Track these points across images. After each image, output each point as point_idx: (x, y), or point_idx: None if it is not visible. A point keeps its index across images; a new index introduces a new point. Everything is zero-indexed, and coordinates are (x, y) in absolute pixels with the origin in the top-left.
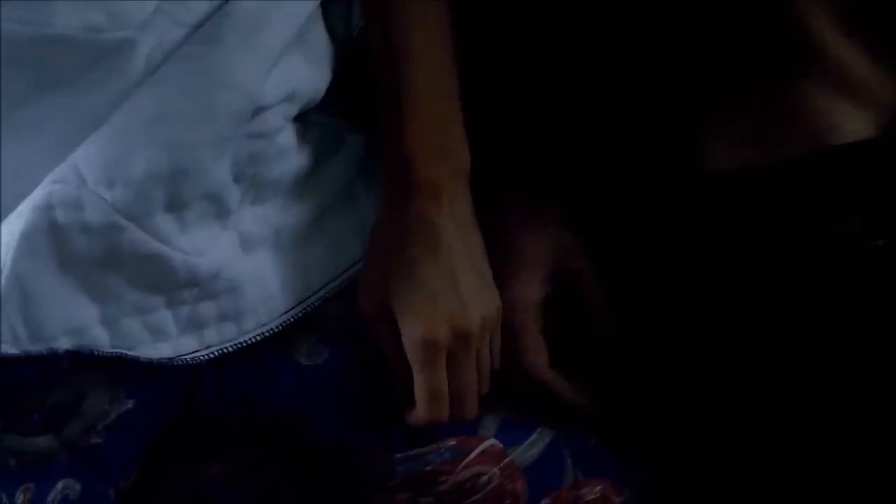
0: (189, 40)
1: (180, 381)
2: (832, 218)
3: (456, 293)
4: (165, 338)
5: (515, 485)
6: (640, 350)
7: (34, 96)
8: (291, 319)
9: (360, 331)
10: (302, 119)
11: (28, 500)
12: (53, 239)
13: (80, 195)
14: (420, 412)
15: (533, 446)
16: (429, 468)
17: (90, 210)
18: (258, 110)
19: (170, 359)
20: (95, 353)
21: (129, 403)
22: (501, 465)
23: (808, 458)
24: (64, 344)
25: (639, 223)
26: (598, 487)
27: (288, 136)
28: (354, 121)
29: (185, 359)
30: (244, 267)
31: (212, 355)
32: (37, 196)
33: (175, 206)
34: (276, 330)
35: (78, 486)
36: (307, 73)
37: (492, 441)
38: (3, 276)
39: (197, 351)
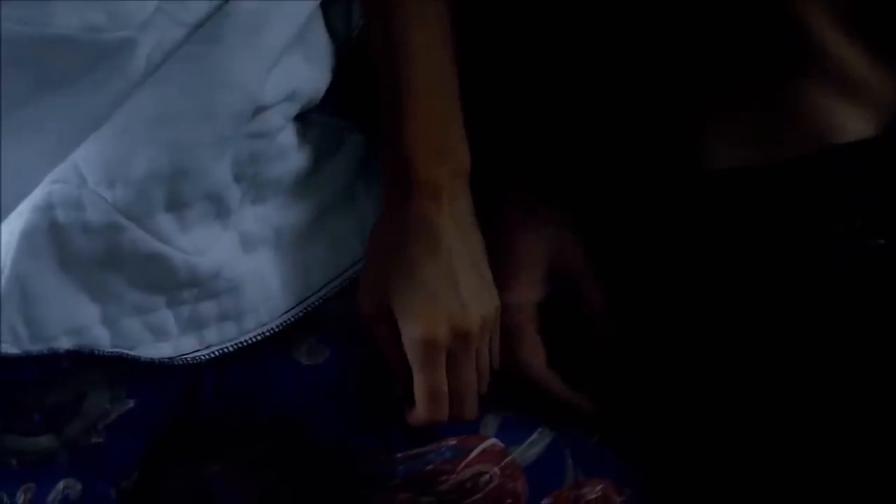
0: (189, 40)
1: (181, 381)
2: (833, 217)
3: (456, 293)
4: (166, 337)
5: (516, 484)
6: (640, 350)
7: (34, 96)
8: (292, 319)
9: (361, 330)
10: (302, 119)
11: (29, 500)
12: (54, 239)
13: (81, 195)
14: (420, 412)
15: (534, 445)
16: (429, 467)
17: (91, 210)
18: (259, 110)
19: (170, 358)
20: (96, 352)
21: (130, 403)
22: (502, 464)
23: (809, 458)
24: (64, 343)
25: (639, 223)
26: (599, 487)
27: (288, 136)
28: (354, 121)
29: (186, 358)
30: (245, 266)
31: (212, 355)
32: (37, 196)
33: (176, 205)
34: (277, 329)
35: (79, 486)
36: (307, 72)
37: (492, 440)
38: (4, 275)
39: (197, 350)
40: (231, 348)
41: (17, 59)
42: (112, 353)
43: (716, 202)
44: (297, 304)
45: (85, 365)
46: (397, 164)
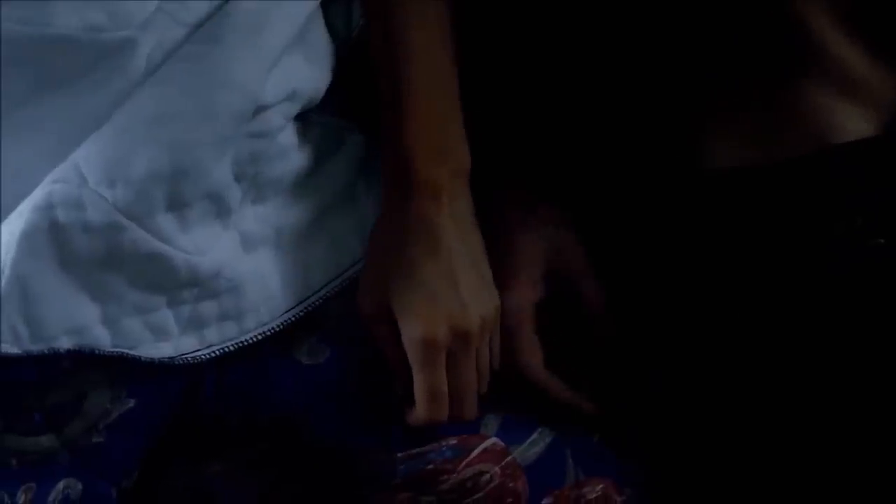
0: (190, 40)
1: (182, 381)
2: (833, 217)
3: (456, 293)
4: (166, 337)
5: (517, 483)
6: (640, 350)
7: (34, 96)
8: (292, 319)
9: (361, 330)
10: (302, 119)
11: (29, 500)
12: (54, 238)
13: (81, 195)
14: (420, 412)
15: (534, 445)
16: (430, 467)
17: (91, 210)
18: (259, 110)
19: (171, 358)
20: (96, 352)
21: (131, 403)
22: (503, 463)
23: (809, 458)
24: (65, 343)
25: (638, 223)
26: (600, 486)
27: (289, 136)
28: (354, 121)
29: (187, 358)
30: (245, 266)
31: (213, 354)
32: (37, 196)
33: (176, 205)
34: (277, 329)
35: (79, 486)
36: (307, 72)
37: (493, 440)
38: (4, 275)
39: (198, 350)
40: (231, 348)
41: (18, 59)
42: (112, 352)
43: (716, 202)
44: (298, 304)
45: (85, 365)
46: (397, 164)
